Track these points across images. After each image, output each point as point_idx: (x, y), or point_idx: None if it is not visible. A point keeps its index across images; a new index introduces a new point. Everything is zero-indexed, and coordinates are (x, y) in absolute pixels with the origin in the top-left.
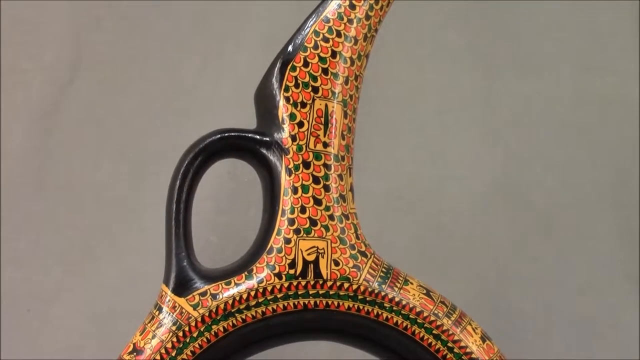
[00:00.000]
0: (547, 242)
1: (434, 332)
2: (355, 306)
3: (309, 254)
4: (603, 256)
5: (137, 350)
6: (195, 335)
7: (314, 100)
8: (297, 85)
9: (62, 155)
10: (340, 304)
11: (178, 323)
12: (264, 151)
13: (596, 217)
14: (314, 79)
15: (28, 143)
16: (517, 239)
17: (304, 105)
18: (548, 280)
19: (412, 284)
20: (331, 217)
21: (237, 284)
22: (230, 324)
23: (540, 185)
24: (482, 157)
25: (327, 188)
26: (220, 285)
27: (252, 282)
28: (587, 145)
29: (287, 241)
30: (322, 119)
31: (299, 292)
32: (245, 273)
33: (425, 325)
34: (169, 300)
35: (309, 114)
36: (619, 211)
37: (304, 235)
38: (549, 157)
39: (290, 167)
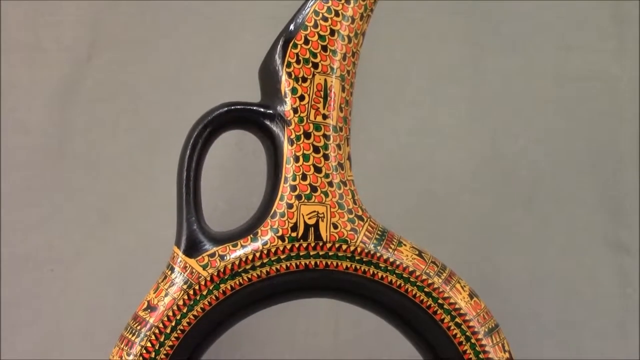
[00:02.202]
0: (531, 208)
1: (425, 289)
2: (353, 266)
3: (309, 218)
4: (582, 221)
5: (151, 307)
6: (204, 293)
7: (314, 75)
8: (298, 62)
9: (80, 128)
10: (339, 264)
11: (189, 282)
12: (268, 123)
13: (576, 185)
14: (314, 55)
15: (49, 117)
16: (502, 205)
17: (304, 80)
18: (531, 243)
19: (405, 245)
20: (330, 184)
21: (243, 246)
22: (237, 282)
23: (523, 155)
24: (469, 130)
25: (326, 157)
26: (227, 247)
27: (257, 244)
28: (567, 119)
29: (290, 206)
30: (322, 93)
31: (301, 253)
32: (251, 236)
33: (417, 283)
34: (181, 261)
35: (310, 88)
36: (597, 180)
37: (305, 200)
38: (531, 129)
39: (292, 137)
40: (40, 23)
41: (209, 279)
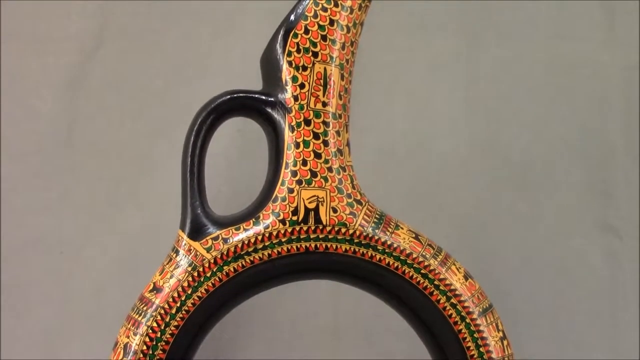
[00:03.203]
0: (523, 192)
1: (422, 271)
2: (352, 249)
3: (310, 202)
4: (573, 204)
5: (157, 289)
6: (208, 275)
7: (314, 64)
8: (298, 51)
9: (88, 116)
10: (338, 246)
11: (193, 264)
12: (269, 110)
13: (566, 170)
14: (314, 44)
15: (58, 105)
16: (495, 189)
17: (305, 68)
18: (523, 226)
19: (402, 228)
20: (330, 169)
21: (245, 229)
22: (240, 265)
23: (516, 140)
24: (464, 116)
25: (326, 143)
26: (230, 231)
27: (259, 228)
28: (558, 105)
29: (290, 191)
30: (322, 81)
31: (301, 236)
32: (253, 219)
33: (414, 265)
34: (185, 244)
35: (310, 76)
36: (587, 164)
37: (306, 185)
38: (524, 115)
39: (292, 124)
40: (50, 14)
41: (212, 261)
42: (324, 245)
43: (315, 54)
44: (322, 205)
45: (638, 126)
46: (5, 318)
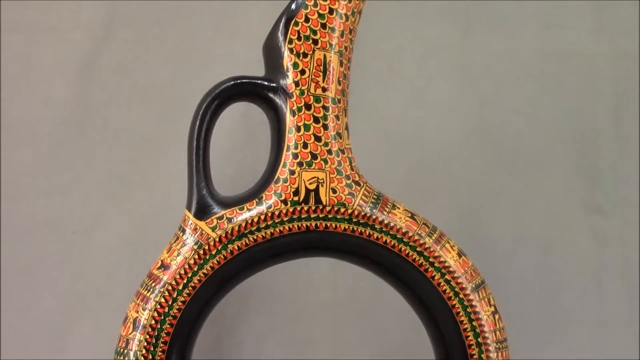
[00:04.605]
0: (515, 175)
1: (417, 249)
2: (350, 228)
3: (310, 183)
4: (562, 186)
5: (164, 266)
6: (213, 253)
7: (314, 51)
8: (299, 38)
9: (99, 102)
10: (337, 226)
11: (199, 242)
12: (272, 95)
13: (556, 153)
14: (314, 32)
15: (70, 91)
16: (489, 172)
17: (305, 55)
18: (515, 208)
19: (398, 208)
20: (329, 152)
21: (249, 209)
22: (244, 243)
23: (508, 126)
24: (458, 102)
25: (325, 127)
26: (234, 211)
27: (262, 208)
28: (548, 92)
29: (292, 172)
30: (321, 67)
31: (302, 216)
32: (256, 200)
33: (410, 243)
34: (191, 223)
35: (310, 63)
36: (576, 148)
37: (306, 167)
38: (516, 102)
39: (294, 108)
40: (60, 5)
41: (217, 239)
42: (323, 225)
43: (315, 42)
44: (322, 186)
45: (624, 112)
46: (21, 295)
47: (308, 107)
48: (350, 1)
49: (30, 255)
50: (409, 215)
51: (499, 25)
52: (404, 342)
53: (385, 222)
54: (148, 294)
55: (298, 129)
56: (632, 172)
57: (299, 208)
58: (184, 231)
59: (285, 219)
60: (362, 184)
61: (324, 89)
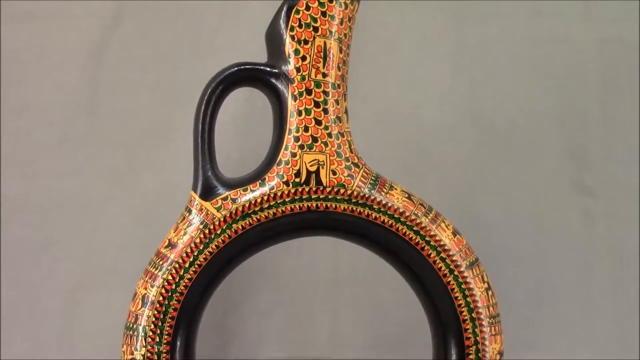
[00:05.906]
0: (507, 158)
1: (414, 228)
2: (350, 208)
3: (311, 165)
4: (552, 167)
5: (171, 245)
6: (218, 232)
7: (314, 38)
8: (300, 26)
9: (109, 86)
10: (337, 206)
11: (204, 222)
12: (274, 81)
13: (546, 136)
14: (315, 20)
15: (81, 76)
16: (481, 155)
17: (306, 42)
18: (507, 189)
19: (396, 189)
20: (329, 135)
21: (252, 191)
22: (247, 223)
23: (501, 110)
24: (452, 87)
25: (326, 111)
26: (238, 192)
27: (265, 189)
28: (539, 78)
29: (293, 155)
30: (322, 54)
31: (303, 197)
32: (259, 181)
33: (407, 223)
34: (197, 204)
35: (311, 49)
36: (565, 131)
37: (307, 150)
38: (508, 87)
39: (295, 93)
40: None
41: (222, 219)
42: (324, 205)
43: (315, 29)
44: (323, 168)
45: (612, 95)
46: (34, 272)
47: (309, 92)
48: None
49: (43, 234)
50: (406, 195)
51: (490, 12)
52: (402, 318)
53: (383, 202)
54: (156, 272)
55: (299, 113)
56: (619, 153)
57: (300, 189)
58: (190, 211)
59: (287, 199)
60: (361, 166)
61: (324, 75)
